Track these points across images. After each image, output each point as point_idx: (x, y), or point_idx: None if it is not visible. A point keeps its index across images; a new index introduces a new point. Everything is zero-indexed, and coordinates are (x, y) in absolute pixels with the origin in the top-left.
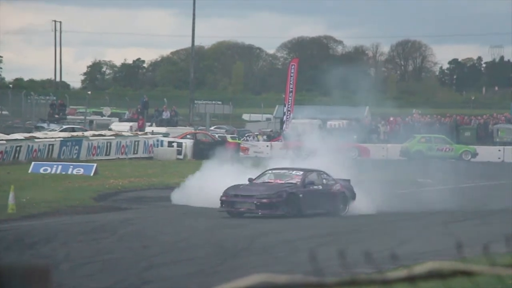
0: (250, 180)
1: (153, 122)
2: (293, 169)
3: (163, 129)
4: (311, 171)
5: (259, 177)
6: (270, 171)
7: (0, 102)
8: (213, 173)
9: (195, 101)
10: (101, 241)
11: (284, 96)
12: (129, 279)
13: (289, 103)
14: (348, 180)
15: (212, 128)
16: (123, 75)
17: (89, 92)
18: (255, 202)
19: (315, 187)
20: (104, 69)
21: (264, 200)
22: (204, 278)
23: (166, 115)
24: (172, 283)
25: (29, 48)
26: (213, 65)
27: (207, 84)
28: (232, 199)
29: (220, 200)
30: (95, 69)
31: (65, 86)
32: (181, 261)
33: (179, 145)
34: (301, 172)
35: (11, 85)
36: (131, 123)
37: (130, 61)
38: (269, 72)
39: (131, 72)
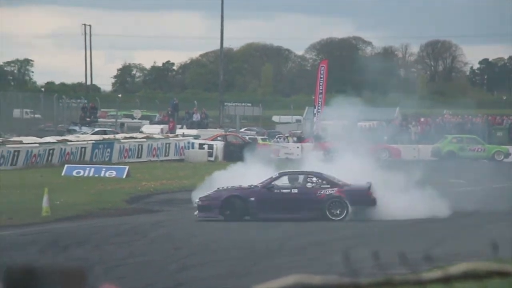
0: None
1: (183, 124)
2: (282, 173)
3: (193, 131)
4: (296, 173)
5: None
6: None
7: (33, 105)
8: (230, 175)
9: (225, 103)
10: (133, 244)
11: (313, 97)
12: (161, 281)
13: (319, 105)
14: (368, 184)
15: (242, 130)
16: (153, 77)
17: (120, 95)
18: (196, 204)
19: (284, 190)
20: (134, 72)
21: (201, 203)
22: (236, 279)
23: (196, 117)
24: (204, 285)
25: (60, 51)
26: (242, 67)
27: (237, 86)
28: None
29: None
30: (125, 72)
31: (96, 89)
32: (212, 263)
33: (210, 147)
34: (277, 175)
35: (43, 89)
36: (161, 126)
37: (159, 63)
38: (298, 73)
39: (161, 75)
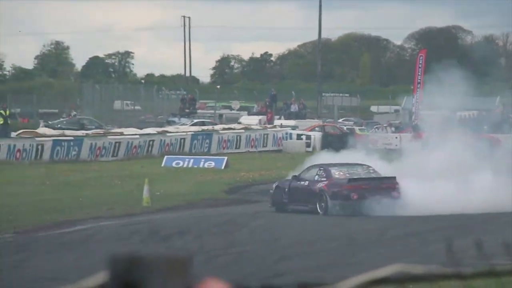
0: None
1: (281, 115)
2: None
3: (291, 122)
4: (319, 166)
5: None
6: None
7: (133, 97)
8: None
9: (323, 94)
10: (233, 234)
11: (412, 87)
12: (262, 271)
13: (418, 94)
14: (392, 178)
15: (340, 120)
16: (251, 69)
17: (218, 86)
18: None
19: (301, 183)
20: (232, 63)
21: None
22: (336, 269)
23: (294, 108)
24: (304, 275)
25: (160, 44)
26: (341, 57)
27: (335, 76)
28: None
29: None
30: (223, 63)
31: (194, 80)
32: (311, 253)
33: (308, 137)
34: (306, 167)
35: (143, 81)
36: (260, 117)
37: (257, 55)
38: (396, 63)
39: (259, 66)
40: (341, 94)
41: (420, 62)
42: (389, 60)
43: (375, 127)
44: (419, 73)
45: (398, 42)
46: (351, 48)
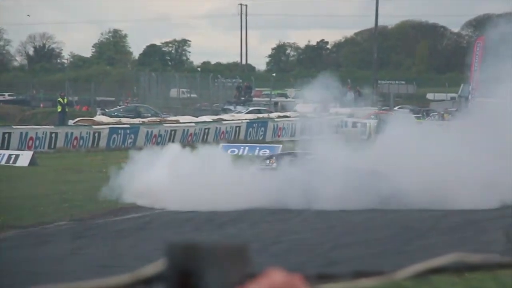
0: None
1: (337, 102)
2: None
3: (347, 110)
4: None
5: None
6: None
7: (189, 85)
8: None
9: (379, 81)
10: (287, 222)
11: (469, 74)
12: (316, 260)
13: (474, 82)
14: None
15: (396, 108)
16: (307, 56)
17: (274, 74)
18: None
19: None
20: (288, 51)
21: None
22: (392, 258)
23: (350, 95)
24: (358, 263)
25: (216, 32)
26: (397, 45)
27: (391, 64)
28: None
29: None
30: (279, 51)
31: (250, 68)
32: (367, 241)
33: (363, 125)
34: None
35: (199, 69)
36: (315, 105)
37: (313, 42)
38: (453, 50)
39: (315, 54)
40: (397, 82)
41: (477, 49)
42: (446, 47)
43: (431, 114)
44: (476, 61)
45: (456, 30)
46: (407, 35)
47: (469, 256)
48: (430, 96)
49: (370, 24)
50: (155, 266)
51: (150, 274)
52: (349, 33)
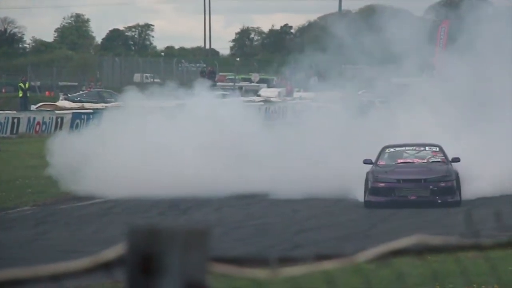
0: (368, 161)
1: (301, 87)
2: (420, 144)
3: (311, 94)
4: (438, 146)
5: (380, 157)
6: (391, 149)
7: (153, 70)
8: None
9: (343, 66)
10: (252, 206)
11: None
12: (281, 243)
13: (438, 66)
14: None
15: (360, 92)
16: (271, 41)
17: (238, 59)
18: (431, 187)
19: (455, 164)
20: (252, 35)
21: (442, 184)
22: (355, 241)
23: (314, 80)
24: (323, 247)
25: (180, 16)
26: (361, 29)
27: (355, 48)
28: (394, 185)
29: (373, 187)
30: (243, 35)
31: (214, 53)
32: (331, 226)
33: (327, 110)
34: (437, 148)
35: (162, 53)
36: (279, 89)
37: (277, 27)
38: (416, 35)
39: (279, 38)
40: (361, 66)
41: (442, 34)
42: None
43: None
44: (440, 45)
45: (420, 14)
46: (372, 19)
47: (431, 238)
48: (394, 81)
49: (334, 8)
50: (116, 250)
51: (110, 258)
52: (313, 17)
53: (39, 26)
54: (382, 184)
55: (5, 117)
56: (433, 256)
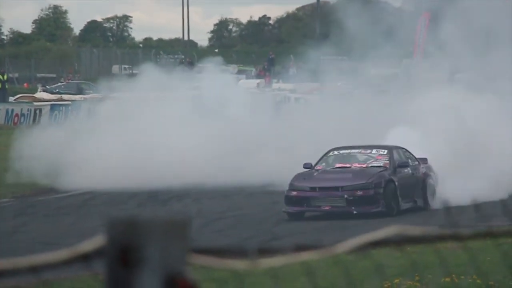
0: (308, 166)
1: (279, 78)
2: (371, 147)
3: (289, 85)
4: (394, 148)
5: (321, 161)
6: (336, 152)
7: (131, 61)
8: None
9: (321, 57)
10: (232, 198)
11: (412, 50)
12: (259, 235)
13: (418, 57)
14: (425, 160)
15: (339, 84)
16: (249, 32)
17: (216, 50)
18: (346, 196)
19: (406, 170)
20: (230, 27)
21: (359, 193)
22: (335, 232)
23: (292, 71)
24: (302, 238)
25: (158, 7)
26: (339, 20)
27: (333, 39)
28: (307, 194)
29: (287, 196)
30: (222, 27)
31: (193, 44)
32: (310, 216)
33: (306, 101)
34: (385, 151)
35: (141, 45)
36: (258, 80)
37: (256, 18)
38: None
39: (257, 29)
40: (339, 57)
41: (422, 25)
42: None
43: None
44: (420, 36)
45: (397, 5)
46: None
47: (410, 229)
48: (373, 72)
49: None
50: (94, 242)
51: (89, 249)
52: (291, 8)
53: (16, 17)
54: (294, 193)
55: None
56: (412, 247)
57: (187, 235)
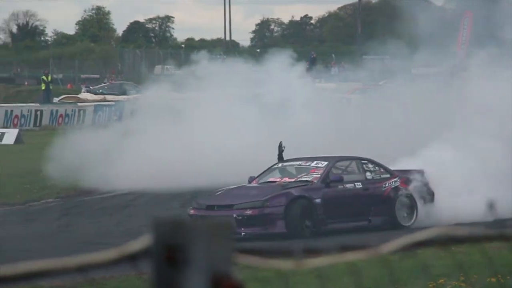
0: (251, 179)
1: (321, 78)
2: (315, 158)
3: (332, 85)
4: (346, 159)
5: (262, 175)
6: (280, 164)
7: (173, 62)
8: None
9: (364, 56)
10: None
11: (455, 50)
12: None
13: (461, 57)
14: (421, 172)
15: (381, 82)
16: (291, 32)
17: (258, 50)
18: (235, 216)
19: (349, 185)
20: (272, 26)
21: (249, 212)
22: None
23: (334, 70)
24: (347, 238)
25: (200, 8)
26: (380, 20)
27: (375, 39)
28: (203, 213)
29: (189, 215)
30: (263, 27)
31: (234, 44)
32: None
33: (349, 100)
34: (324, 163)
35: (183, 45)
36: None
37: (297, 18)
38: (437, 25)
39: (299, 29)
40: (381, 57)
41: (465, 24)
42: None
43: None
44: (464, 36)
45: (439, 4)
46: (391, 10)
47: (455, 229)
48: (415, 71)
49: None
50: (141, 242)
51: (136, 249)
52: (333, 7)
53: (60, 19)
54: (192, 211)
55: (28, 110)
56: (457, 247)
57: (232, 235)
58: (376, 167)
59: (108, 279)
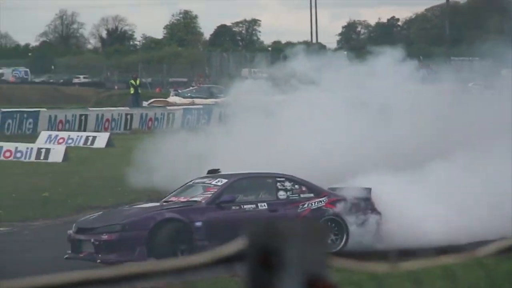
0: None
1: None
2: (221, 176)
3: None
4: (254, 176)
5: (176, 192)
6: (197, 180)
7: (260, 65)
8: None
9: (452, 58)
10: None
11: None
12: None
13: None
14: (368, 190)
15: (470, 84)
16: (377, 34)
17: (345, 53)
18: (92, 240)
19: (248, 206)
20: (359, 29)
21: (105, 237)
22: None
23: (422, 72)
24: (442, 241)
25: (286, 11)
26: (469, 21)
27: (463, 40)
28: (74, 237)
29: (67, 237)
30: (350, 29)
31: (321, 47)
32: None
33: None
34: (224, 181)
35: (269, 48)
36: None
37: (384, 20)
38: None
39: (386, 31)
40: (470, 58)
41: None
42: None
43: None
44: None
45: None
46: (479, 11)
47: None
48: (504, 72)
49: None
50: (236, 245)
51: (231, 252)
52: (420, 9)
53: (148, 23)
54: (69, 232)
55: (119, 114)
56: None
57: (326, 238)
58: (296, 186)
59: (200, 282)
